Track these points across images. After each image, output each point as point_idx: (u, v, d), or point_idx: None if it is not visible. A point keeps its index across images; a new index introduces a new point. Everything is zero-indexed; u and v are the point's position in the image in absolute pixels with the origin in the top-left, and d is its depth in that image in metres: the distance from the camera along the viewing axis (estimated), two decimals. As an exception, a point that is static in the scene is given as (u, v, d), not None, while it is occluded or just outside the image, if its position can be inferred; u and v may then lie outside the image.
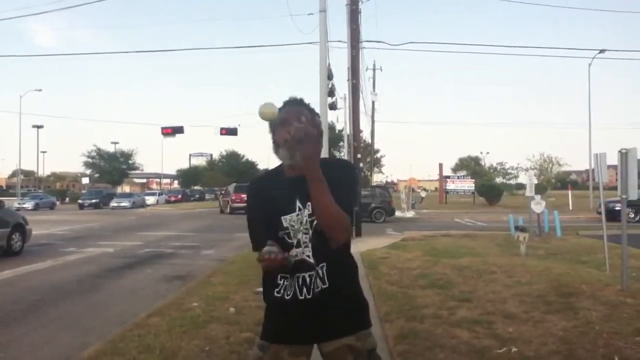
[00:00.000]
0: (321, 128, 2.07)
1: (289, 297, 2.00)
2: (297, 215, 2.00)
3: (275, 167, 2.15)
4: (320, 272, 1.99)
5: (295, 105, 2.07)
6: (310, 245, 1.99)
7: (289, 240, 2.01)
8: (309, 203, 1.96)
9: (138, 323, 5.55)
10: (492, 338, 4.73)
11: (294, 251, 2.00)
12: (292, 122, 1.94)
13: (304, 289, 1.99)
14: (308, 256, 1.99)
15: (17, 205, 38.35)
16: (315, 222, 1.97)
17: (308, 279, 1.99)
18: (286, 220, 2.01)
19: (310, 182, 1.83)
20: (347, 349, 2.01)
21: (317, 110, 2.18)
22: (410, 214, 28.35)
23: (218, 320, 5.56)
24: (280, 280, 2.04)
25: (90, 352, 4.63)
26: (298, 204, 2.00)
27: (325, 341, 2.03)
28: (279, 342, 2.05)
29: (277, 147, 2.02)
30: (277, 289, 2.04)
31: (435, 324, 5.20)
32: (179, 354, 4.53)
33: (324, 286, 1.98)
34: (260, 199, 2.09)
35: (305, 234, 1.99)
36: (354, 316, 2.07)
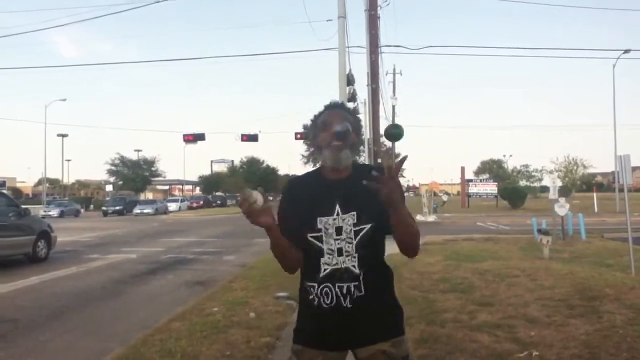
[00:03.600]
0: (361, 133, 2.10)
1: (327, 305, 1.98)
2: (334, 219, 1.98)
3: (312, 171, 2.16)
4: (361, 279, 1.97)
5: (337, 109, 2.08)
6: (356, 255, 1.97)
7: (319, 244, 1.99)
8: (354, 212, 1.97)
9: (159, 328, 5.61)
10: (513, 342, 4.68)
11: (330, 258, 1.99)
12: (334, 125, 1.97)
13: (348, 299, 1.96)
14: (353, 266, 1.97)
15: (43, 213, 38.96)
16: (362, 232, 1.97)
17: (353, 289, 1.97)
18: (322, 221, 1.99)
19: (398, 210, 1.81)
20: (382, 354, 2.00)
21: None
22: (432, 218, 28.18)
23: (238, 325, 5.59)
24: (310, 287, 2.03)
25: (112, 357, 4.70)
26: (337, 208, 1.99)
27: (360, 347, 2.02)
28: (314, 348, 2.04)
29: (319, 150, 2.03)
30: (312, 295, 2.03)
31: (455, 328, 5.16)
32: (200, 358, 4.57)
33: (360, 294, 1.97)
34: (297, 197, 2.08)
35: (349, 243, 1.97)
36: (390, 323, 2.06)
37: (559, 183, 16.61)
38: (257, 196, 1.79)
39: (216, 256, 13.24)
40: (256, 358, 4.57)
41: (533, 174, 64.17)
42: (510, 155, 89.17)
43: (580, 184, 61.46)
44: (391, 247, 2.21)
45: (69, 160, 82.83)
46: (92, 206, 62.12)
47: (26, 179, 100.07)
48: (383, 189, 1.73)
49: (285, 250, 1.98)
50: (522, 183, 55.80)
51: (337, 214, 1.98)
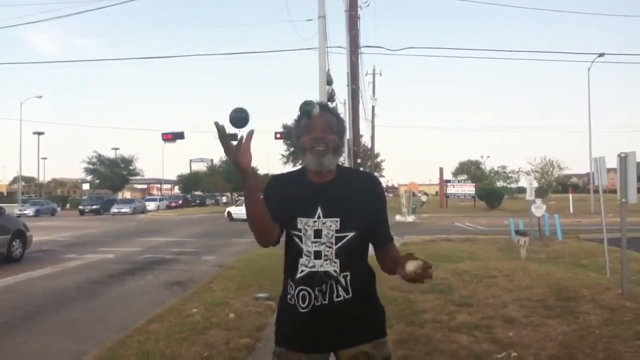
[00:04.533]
0: (345, 134, 2.10)
1: (304, 309, 1.97)
2: (314, 222, 1.97)
3: (297, 170, 2.14)
4: (343, 281, 1.97)
5: (322, 111, 2.05)
6: (337, 261, 1.96)
7: (299, 243, 1.98)
8: (337, 219, 1.96)
9: (137, 329, 5.55)
10: (491, 343, 4.72)
11: (308, 260, 1.97)
12: (318, 128, 1.97)
13: (325, 301, 1.96)
14: (335, 271, 1.95)
15: (18, 212, 38.35)
16: (345, 239, 1.96)
17: (331, 292, 1.96)
18: (302, 222, 1.98)
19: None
20: (363, 356, 2.00)
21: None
22: (410, 218, 28.36)
23: (218, 326, 5.55)
24: (288, 287, 2.03)
25: (89, 359, 4.63)
26: (319, 211, 1.98)
27: (343, 349, 2.02)
28: (297, 350, 2.02)
29: (302, 151, 2.01)
30: (289, 296, 2.03)
31: (435, 329, 5.19)
32: (179, 360, 4.52)
33: (347, 296, 1.96)
34: (279, 194, 2.05)
35: (329, 247, 1.96)
36: (372, 324, 2.07)
37: (536, 184, 16.77)
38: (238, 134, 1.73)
39: (195, 256, 13.14)
40: (236, 359, 4.54)
41: (510, 175, 64.79)
42: (488, 157, 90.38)
43: (556, 185, 62.23)
44: (372, 249, 2.23)
45: (45, 159, 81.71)
46: (68, 205, 61.20)
47: (1, 177, 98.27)
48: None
49: (260, 215, 1.90)
50: (500, 184, 56.31)
51: (318, 217, 1.98)
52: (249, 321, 5.74)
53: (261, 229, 1.95)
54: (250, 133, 1.76)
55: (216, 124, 1.68)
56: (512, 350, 4.47)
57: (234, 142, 1.73)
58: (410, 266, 1.80)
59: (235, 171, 1.93)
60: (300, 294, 1.98)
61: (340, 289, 1.96)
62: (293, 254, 2.00)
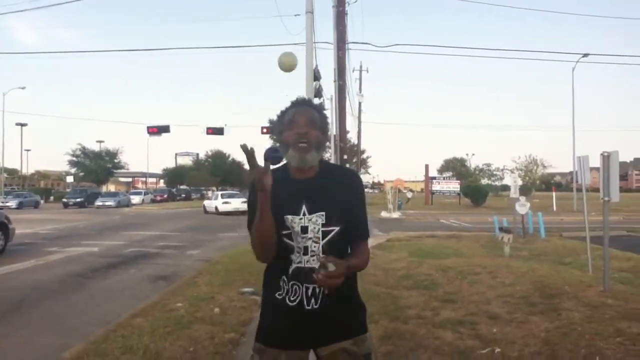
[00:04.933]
0: (328, 130, 2.10)
1: (292, 303, 1.98)
2: (300, 218, 1.98)
3: (279, 167, 2.12)
4: None
5: (304, 106, 2.05)
6: (322, 254, 1.96)
7: (290, 242, 1.99)
8: (323, 213, 1.97)
9: (121, 324, 5.51)
10: (475, 339, 4.76)
11: (297, 256, 1.98)
12: (301, 124, 1.97)
13: (312, 300, 1.96)
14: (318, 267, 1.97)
15: (0, 204, 37.94)
16: (331, 233, 1.97)
17: (318, 290, 1.96)
18: (288, 220, 1.98)
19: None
20: (343, 352, 2.01)
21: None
22: (396, 214, 28.44)
23: (202, 320, 5.54)
24: (282, 282, 2.02)
25: (72, 353, 4.59)
26: (304, 208, 1.98)
27: (323, 346, 2.02)
28: (277, 347, 2.02)
29: (285, 148, 2.00)
30: (278, 292, 2.02)
31: (419, 325, 5.22)
32: (163, 354, 4.50)
33: (326, 292, 1.96)
34: None
35: (316, 243, 1.97)
36: (353, 321, 2.06)
37: (520, 182, 16.90)
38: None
39: (180, 250, 13.08)
40: (220, 354, 4.53)
41: (495, 172, 65.19)
42: (473, 154, 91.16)
43: (540, 183, 62.79)
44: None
45: (28, 150, 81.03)
46: (52, 198, 60.68)
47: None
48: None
49: (270, 230, 1.91)
50: (484, 181, 56.53)
51: (304, 214, 1.98)
52: (234, 316, 5.73)
53: (267, 246, 1.95)
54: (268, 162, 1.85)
55: (244, 147, 1.78)
56: (496, 346, 4.51)
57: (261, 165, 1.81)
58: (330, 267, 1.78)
59: (249, 186, 2.03)
60: (293, 288, 1.99)
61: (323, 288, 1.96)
62: (284, 250, 2.00)
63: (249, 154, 1.78)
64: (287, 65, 1.71)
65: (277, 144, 2.01)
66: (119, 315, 6.02)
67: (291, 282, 1.99)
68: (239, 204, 29.25)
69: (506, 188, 48.33)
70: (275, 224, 1.94)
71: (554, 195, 35.85)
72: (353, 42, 23.60)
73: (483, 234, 15.24)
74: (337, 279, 1.75)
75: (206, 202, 34.45)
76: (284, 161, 2.06)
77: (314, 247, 1.97)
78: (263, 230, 1.91)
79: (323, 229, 1.97)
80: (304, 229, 1.97)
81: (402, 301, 6.31)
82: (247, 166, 1.83)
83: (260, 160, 1.82)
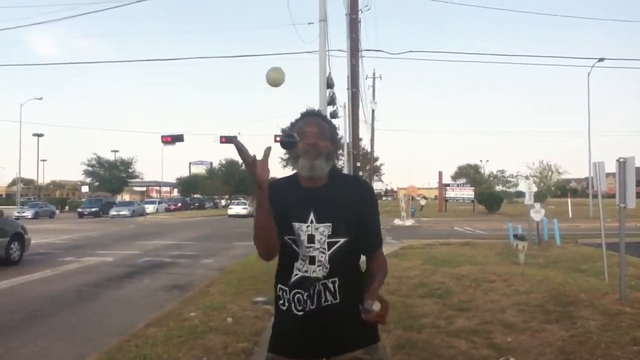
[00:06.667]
0: (340, 142, 2.11)
1: (298, 312, 1.99)
2: (307, 226, 1.99)
3: (290, 175, 2.15)
4: (331, 286, 1.98)
5: (313, 117, 2.07)
6: (328, 266, 1.97)
7: (295, 248, 1.99)
8: (330, 224, 1.98)
9: (135, 333, 5.54)
10: (489, 348, 4.72)
11: (302, 265, 1.99)
12: (311, 134, 1.99)
13: (317, 305, 1.97)
14: (324, 276, 1.97)
15: (17, 214, 38.23)
16: (337, 244, 1.98)
17: (324, 297, 1.97)
18: (295, 226, 1.99)
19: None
20: None
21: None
22: (409, 222, 28.35)
23: (216, 330, 5.55)
24: (280, 291, 2.04)
25: (87, 363, 4.63)
26: (312, 217, 1.99)
27: (335, 355, 2.01)
28: (289, 357, 2.02)
29: (295, 157, 2.02)
30: (280, 302, 2.04)
31: (433, 334, 5.19)
32: (176, 364, 4.52)
33: (335, 301, 1.97)
34: (274, 199, 2.01)
35: (322, 253, 1.98)
36: (364, 331, 2.05)
37: (535, 188, 16.79)
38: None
39: (194, 259, 13.14)
40: (233, 364, 4.54)
41: (509, 179, 64.95)
42: (487, 161, 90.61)
43: (555, 189, 62.35)
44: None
45: (44, 161, 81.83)
46: (67, 207, 61.14)
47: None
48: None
49: (270, 224, 1.91)
50: (498, 188, 56.37)
51: (311, 222, 1.99)
52: (247, 325, 5.74)
53: (267, 240, 1.95)
54: (268, 150, 1.80)
55: (233, 140, 1.79)
56: (510, 355, 4.47)
57: (252, 157, 1.78)
58: (374, 305, 1.89)
59: (250, 181, 2.04)
60: (296, 297, 1.99)
61: (328, 294, 1.97)
62: (288, 258, 2.01)
63: (237, 146, 1.76)
64: (273, 80, 1.74)
65: (294, 135, 2.00)
66: (134, 324, 6.04)
67: (294, 291, 1.99)
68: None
69: (521, 194, 48.08)
70: (281, 228, 1.96)
71: (569, 202, 35.56)
72: (366, 50, 23.67)
73: (497, 242, 15.14)
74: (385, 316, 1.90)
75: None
76: (294, 170, 2.08)
77: (321, 257, 1.97)
78: (262, 227, 1.91)
79: (329, 240, 1.98)
80: (311, 238, 1.98)
81: (416, 310, 6.27)
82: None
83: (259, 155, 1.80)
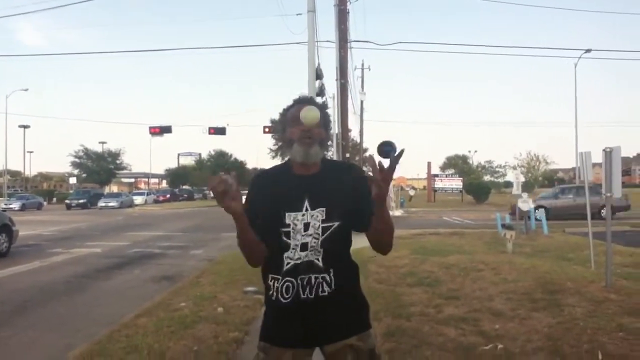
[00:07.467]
0: (331, 128, 2.12)
1: (286, 300, 1.98)
2: (303, 215, 1.98)
3: (282, 164, 2.15)
4: (327, 277, 1.98)
5: (306, 104, 2.06)
6: (321, 250, 1.98)
7: (287, 240, 1.98)
8: (323, 209, 1.98)
9: (125, 323, 5.54)
10: (478, 335, 4.77)
11: (293, 253, 1.98)
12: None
13: (307, 289, 1.97)
14: (317, 259, 1.97)
15: (4, 206, 37.98)
16: (331, 229, 1.98)
17: (313, 280, 1.97)
18: (290, 217, 1.99)
19: (380, 206, 1.85)
20: (349, 349, 2.02)
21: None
22: (398, 212, 28.46)
23: (206, 320, 5.56)
24: (271, 281, 2.04)
25: (76, 353, 4.63)
26: (306, 204, 1.99)
27: (328, 343, 2.03)
28: (282, 346, 2.03)
29: (289, 144, 2.02)
30: (271, 291, 2.04)
31: (422, 322, 5.23)
32: (167, 354, 4.52)
33: (327, 289, 1.98)
34: (264, 191, 2.06)
35: (315, 239, 1.97)
36: (357, 318, 2.08)
37: (522, 179, 16.91)
38: (229, 180, 1.74)
39: (183, 250, 13.13)
40: (224, 353, 4.55)
41: (497, 169, 65.35)
42: (475, 151, 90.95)
43: (543, 179, 62.81)
44: (360, 242, 2.24)
45: (30, 152, 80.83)
46: (55, 199, 60.74)
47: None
48: (379, 190, 1.75)
49: (252, 242, 1.95)
50: (487, 178, 56.69)
51: (306, 210, 1.99)
52: (238, 315, 5.75)
53: (252, 251, 2.00)
54: (234, 176, 1.79)
55: (213, 178, 1.74)
56: (499, 342, 4.52)
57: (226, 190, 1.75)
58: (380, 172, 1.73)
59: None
60: (284, 286, 1.99)
61: (324, 284, 1.98)
62: (278, 249, 2.00)
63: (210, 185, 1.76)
64: (309, 119, 1.76)
65: (393, 143, 1.98)
66: (124, 315, 6.04)
67: (285, 279, 1.99)
68: None
69: (508, 185, 48.35)
70: (273, 221, 1.98)
71: (557, 192, 35.78)
72: (355, 41, 23.56)
73: (486, 231, 15.24)
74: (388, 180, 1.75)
75: None
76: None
77: (314, 242, 1.98)
78: (249, 251, 2.00)
79: (323, 224, 1.98)
80: (307, 226, 1.98)
81: (405, 298, 6.32)
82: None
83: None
